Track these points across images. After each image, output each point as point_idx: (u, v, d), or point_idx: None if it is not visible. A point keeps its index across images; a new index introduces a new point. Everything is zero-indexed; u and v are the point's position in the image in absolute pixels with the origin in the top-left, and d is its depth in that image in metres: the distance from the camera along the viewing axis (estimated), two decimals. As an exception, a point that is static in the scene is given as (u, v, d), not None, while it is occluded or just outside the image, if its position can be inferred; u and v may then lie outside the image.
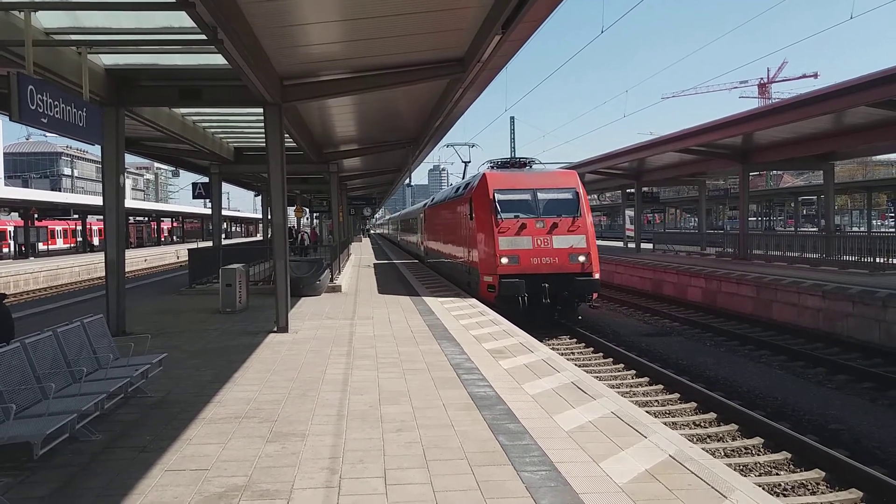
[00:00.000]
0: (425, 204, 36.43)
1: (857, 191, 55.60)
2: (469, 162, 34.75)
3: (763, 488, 7.00)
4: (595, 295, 18.15)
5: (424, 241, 34.04)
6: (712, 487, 5.24)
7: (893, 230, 48.83)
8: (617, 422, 6.95)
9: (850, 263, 22.74)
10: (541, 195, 18.28)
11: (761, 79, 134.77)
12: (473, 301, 17.33)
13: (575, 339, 17.14)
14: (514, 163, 21.10)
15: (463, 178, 32.02)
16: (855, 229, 59.57)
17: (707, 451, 8.68)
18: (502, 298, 17.12)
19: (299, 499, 5.13)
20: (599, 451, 6.06)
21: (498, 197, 18.10)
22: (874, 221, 59.32)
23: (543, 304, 17.15)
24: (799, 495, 7.76)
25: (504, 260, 17.29)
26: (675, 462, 5.78)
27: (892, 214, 63.17)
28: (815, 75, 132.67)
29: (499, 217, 17.75)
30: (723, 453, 9.07)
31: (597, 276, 17.65)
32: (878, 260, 21.87)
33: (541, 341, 13.03)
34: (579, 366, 13.69)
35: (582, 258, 17.50)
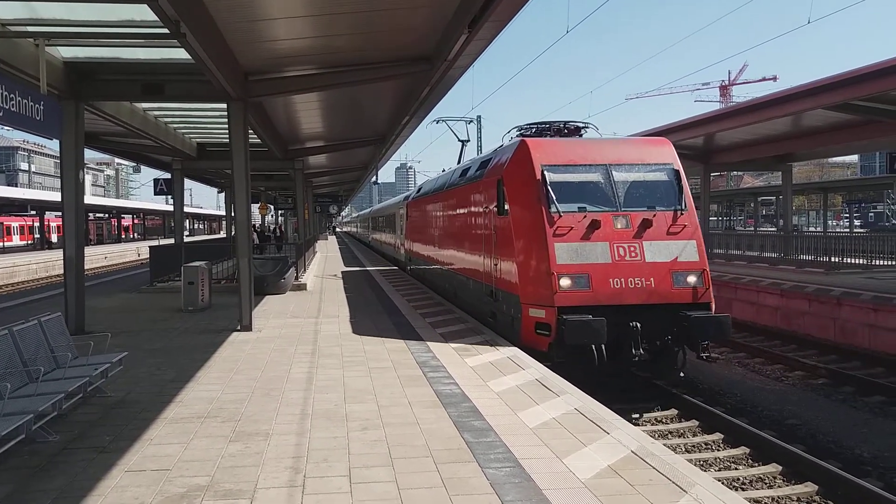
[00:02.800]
0: (408, 196, 29.29)
1: (814, 192, 56.96)
2: (468, 141, 25.93)
3: (722, 482, 7.15)
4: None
5: (407, 243, 26.92)
6: (673, 482, 5.34)
7: (848, 230, 50.17)
8: (580, 418, 7.03)
9: (807, 262, 23.35)
10: (618, 174, 11.55)
11: (723, 81, 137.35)
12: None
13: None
14: (560, 129, 13.70)
15: (459, 161, 24.68)
16: (812, 229, 61.07)
17: (668, 446, 8.83)
18: (565, 349, 10.43)
19: (263, 498, 5.09)
20: (563, 447, 6.13)
21: (550, 177, 11.30)
22: (830, 222, 60.84)
23: (627, 354, 10.46)
24: (757, 489, 7.95)
25: (565, 282, 10.58)
26: (637, 458, 5.88)
27: (847, 215, 64.88)
28: (775, 78, 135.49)
29: (552, 210, 11.02)
30: (684, 449, 9.24)
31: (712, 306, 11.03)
32: (833, 259, 22.48)
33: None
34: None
35: (693, 279, 10.85)
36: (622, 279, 10.70)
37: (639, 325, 10.37)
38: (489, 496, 5.08)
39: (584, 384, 9.06)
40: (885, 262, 21.50)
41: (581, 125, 13.78)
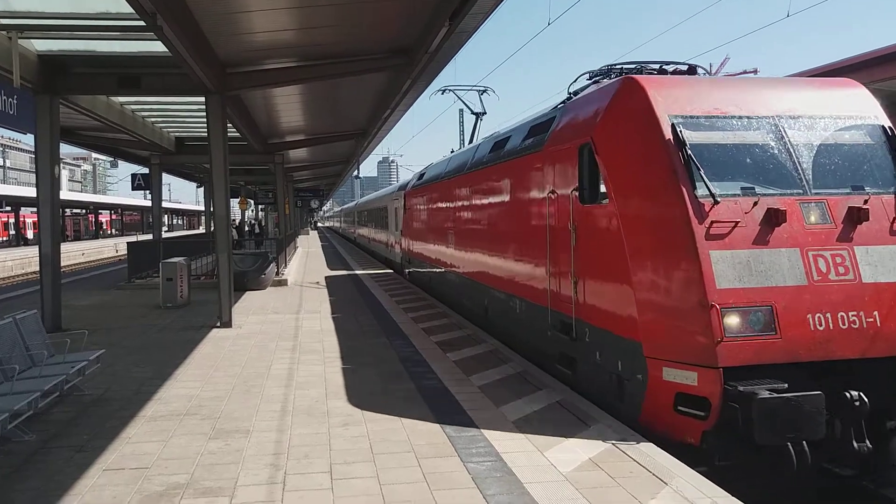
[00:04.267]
0: (405, 184, 24.45)
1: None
2: (484, 114, 20.88)
3: (703, 474, 7.19)
4: None
5: (405, 241, 22.63)
6: (654, 474, 5.37)
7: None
8: (561, 411, 7.04)
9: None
10: (796, 133, 7.25)
11: (704, 73, 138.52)
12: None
13: None
14: (661, 73, 8.83)
15: (472, 139, 19.87)
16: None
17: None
18: (741, 446, 6.06)
19: (243, 495, 5.05)
20: (544, 440, 6.13)
21: (690, 136, 6.93)
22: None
23: (839, 446, 6.18)
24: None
25: (732, 321, 6.24)
26: (618, 450, 5.90)
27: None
28: (755, 71, 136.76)
29: (700, 193, 6.69)
30: (664, 440, 9.26)
31: None
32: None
33: None
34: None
35: None
36: (827, 314, 6.33)
37: (864, 397, 6.02)
38: (471, 490, 5.07)
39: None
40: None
41: (694, 66, 9.05)
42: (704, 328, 6.22)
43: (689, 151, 6.76)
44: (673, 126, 6.95)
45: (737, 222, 6.57)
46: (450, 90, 21.01)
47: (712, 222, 6.54)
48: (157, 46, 10.61)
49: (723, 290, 6.28)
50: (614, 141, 7.53)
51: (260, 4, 9.82)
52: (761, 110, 7.37)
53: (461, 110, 61.62)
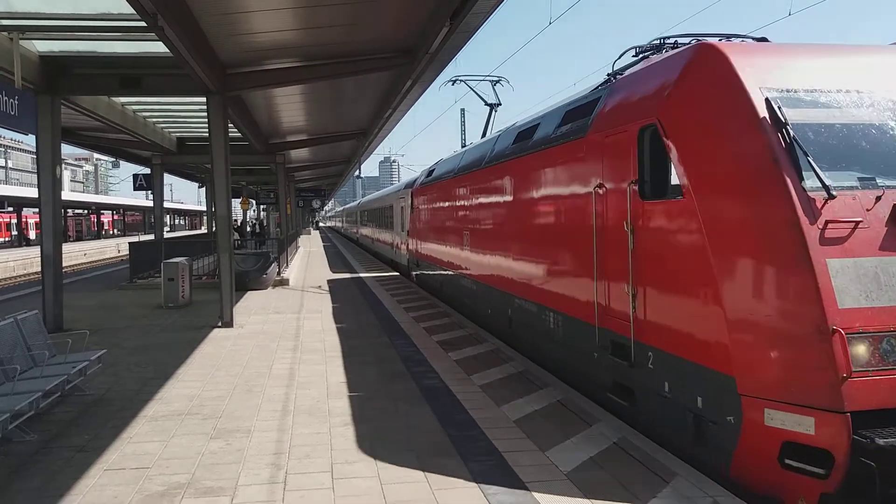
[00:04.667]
0: (412, 182, 22.97)
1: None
2: (499, 104, 19.23)
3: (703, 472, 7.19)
4: None
5: (412, 242, 21.50)
6: (655, 473, 5.36)
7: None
8: (563, 410, 7.04)
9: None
10: None
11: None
12: None
13: None
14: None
15: (485, 132, 18.05)
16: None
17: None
18: None
19: (244, 495, 5.05)
20: (546, 439, 6.13)
21: (791, 115, 5.49)
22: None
23: None
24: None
25: (860, 350, 4.80)
26: (620, 449, 5.89)
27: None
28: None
29: (810, 185, 5.23)
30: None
31: None
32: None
33: None
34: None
35: None
36: None
37: None
38: (472, 489, 5.07)
39: None
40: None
41: (766, 39, 7.20)
42: (826, 360, 4.81)
43: (793, 133, 5.39)
44: (768, 102, 5.55)
45: (857, 222, 5.16)
46: (461, 80, 19.39)
47: (827, 222, 5.13)
48: (159, 47, 10.62)
49: (846, 311, 4.89)
50: (689, 121, 6.10)
51: (259, 5, 9.82)
52: (873, 84, 5.99)
53: (462, 110, 61.01)
